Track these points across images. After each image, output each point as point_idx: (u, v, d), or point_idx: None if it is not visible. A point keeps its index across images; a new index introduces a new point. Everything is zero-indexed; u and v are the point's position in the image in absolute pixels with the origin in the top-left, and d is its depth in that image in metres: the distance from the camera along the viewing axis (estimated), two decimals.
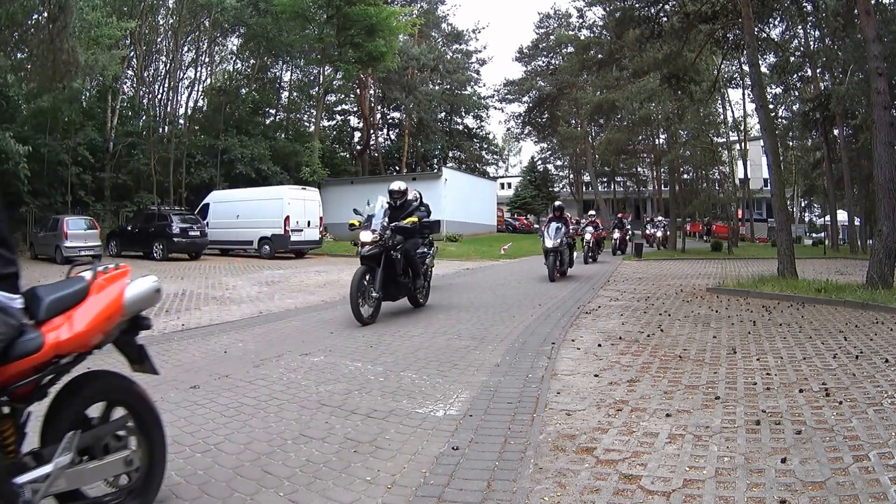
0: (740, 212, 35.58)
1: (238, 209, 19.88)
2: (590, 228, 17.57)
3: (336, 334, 6.38)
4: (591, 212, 17.37)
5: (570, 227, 13.61)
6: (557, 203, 13.75)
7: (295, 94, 35.21)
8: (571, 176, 50.14)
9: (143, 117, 27.60)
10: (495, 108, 50.60)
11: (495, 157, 54.56)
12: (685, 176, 28.76)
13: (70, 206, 21.66)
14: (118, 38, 21.31)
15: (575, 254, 13.85)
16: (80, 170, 22.41)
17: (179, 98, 29.12)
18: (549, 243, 11.91)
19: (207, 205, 20.80)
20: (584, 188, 47.84)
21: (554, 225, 12.22)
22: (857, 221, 25.61)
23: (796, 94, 26.87)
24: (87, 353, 2.04)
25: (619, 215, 24.92)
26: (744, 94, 34.10)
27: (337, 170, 35.04)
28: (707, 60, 19.77)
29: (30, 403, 1.90)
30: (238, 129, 28.37)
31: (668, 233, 26.34)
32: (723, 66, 22.27)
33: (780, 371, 4.51)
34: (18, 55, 18.75)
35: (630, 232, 25.39)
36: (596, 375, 4.52)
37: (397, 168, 43.49)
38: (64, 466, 1.89)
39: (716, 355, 5.11)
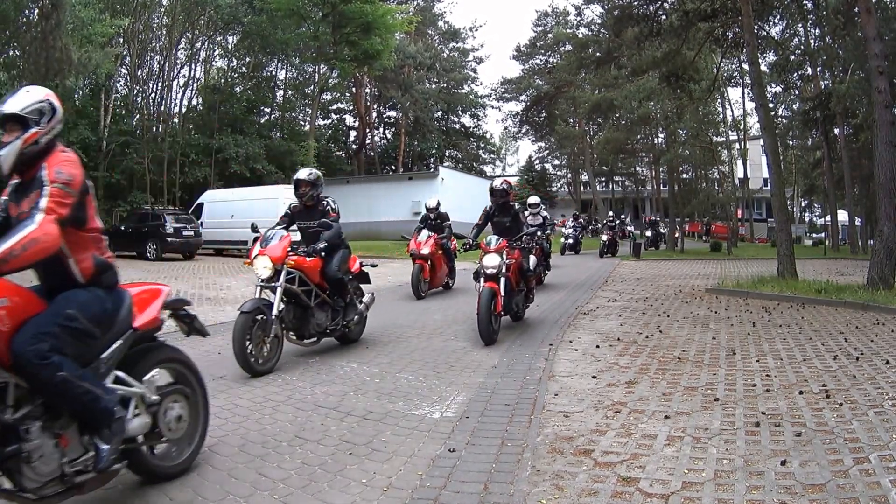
0: (740, 212, 35.58)
1: (233, 209, 19.78)
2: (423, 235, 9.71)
3: None
4: (430, 203, 10.21)
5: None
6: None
7: (290, 92, 35.05)
8: (569, 175, 50.10)
9: (137, 116, 27.37)
10: (492, 106, 50.41)
11: (492, 156, 54.49)
12: (684, 175, 28.74)
13: None
14: (111, 35, 21.18)
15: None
16: None
17: (173, 96, 29.01)
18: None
19: (202, 204, 20.72)
20: (582, 188, 47.83)
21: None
22: (857, 222, 25.61)
23: (796, 92, 26.89)
24: None
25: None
26: (743, 93, 34.06)
27: (332, 169, 34.96)
28: (706, 59, 19.76)
29: None
30: (232, 128, 28.21)
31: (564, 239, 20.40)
32: (722, 64, 22.22)
33: (779, 372, 4.48)
34: (10, 53, 18.62)
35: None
36: (594, 377, 4.49)
37: (393, 167, 43.44)
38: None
39: (715, 356, 5.09)
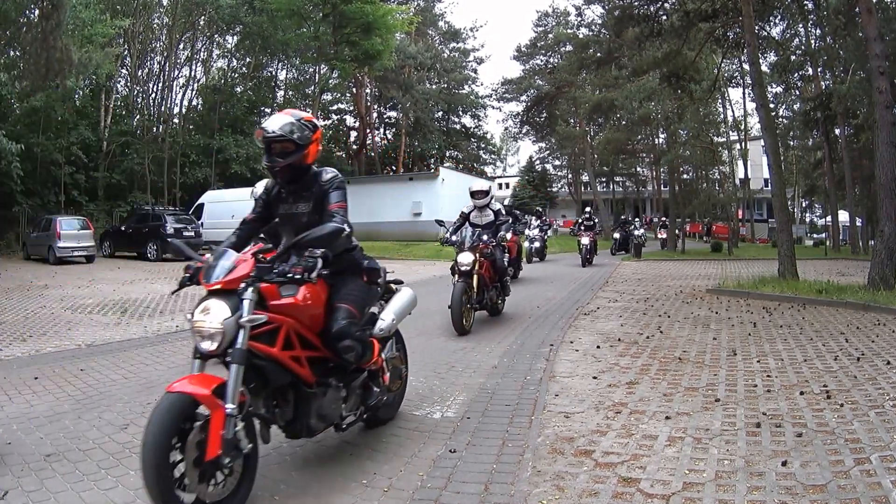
0: (740, 212, 35.58)
1: (233, 209, 19.75)
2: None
3: None
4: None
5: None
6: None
7: (290, 92, 35.07)
8: (570, 176, 50.09)
9: (137, 116, 27.45)
10: (493, 107, 50.34)
11: (493, 156, 54.49)
12: (685, 176, 28.78)
13: (63, 205, 21.55)
14: (112, 36, 21.24)
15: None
16: (73, 169, 22.32)
17: (174, 97, 29.05)
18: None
19: (202, 205, 20.73)
20: (582, 188, 47.84)
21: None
22: (858, 222, 25.62)
23: (797, 93, 26.90)
24: None
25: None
26: (744, 94, 34.15)
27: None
28: (707, 59, 19.77)
29: None
30: (233, 129, 28.24)
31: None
32: (723, 64, 22.23)
33: (780, 373, 4.48)
34: (11, 53, 18.68)
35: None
36: (595, 377, 4.48)
37: (394, 168, 43.44)
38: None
39: (716, 357, 5.08)
